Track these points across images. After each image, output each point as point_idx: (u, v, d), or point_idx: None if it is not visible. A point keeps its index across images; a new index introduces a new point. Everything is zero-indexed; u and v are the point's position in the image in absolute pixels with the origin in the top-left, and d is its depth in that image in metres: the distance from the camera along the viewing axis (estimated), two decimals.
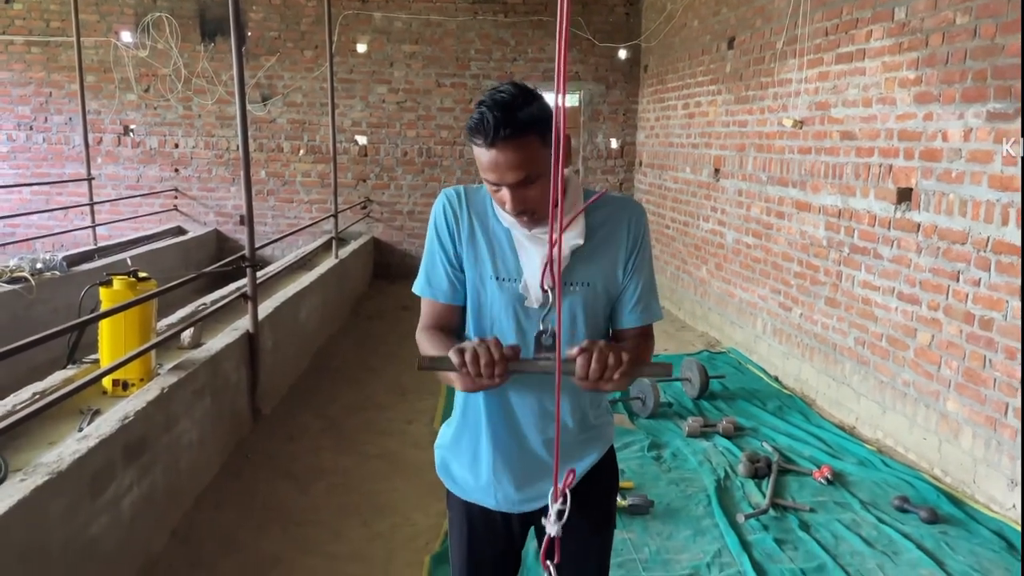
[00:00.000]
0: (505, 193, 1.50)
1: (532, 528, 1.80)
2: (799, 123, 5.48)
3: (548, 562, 1.25)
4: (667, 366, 1.49)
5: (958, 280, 3.96)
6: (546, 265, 1.53)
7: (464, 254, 1.64)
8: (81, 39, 7.62)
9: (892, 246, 4.48)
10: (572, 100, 9.63)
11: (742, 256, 6.50)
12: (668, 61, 8.31)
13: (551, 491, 1.26)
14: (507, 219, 1.60)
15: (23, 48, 9.26)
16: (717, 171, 6.98)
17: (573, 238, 1.57)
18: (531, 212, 1.52)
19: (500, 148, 1.44)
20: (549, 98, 1.38)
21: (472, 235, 1.63)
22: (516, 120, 1.42)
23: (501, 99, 1.44)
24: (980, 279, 3.81)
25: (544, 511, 1.28)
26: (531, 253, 1.58)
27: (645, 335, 1.70)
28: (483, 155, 1.47)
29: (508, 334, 1.62)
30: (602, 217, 1.63)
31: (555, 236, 1.28)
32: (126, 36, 8.72)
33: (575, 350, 1.38)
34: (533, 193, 1.49)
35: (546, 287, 1.53)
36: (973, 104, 3.83)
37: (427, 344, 1.63)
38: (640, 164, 9.44)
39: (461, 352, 1.38)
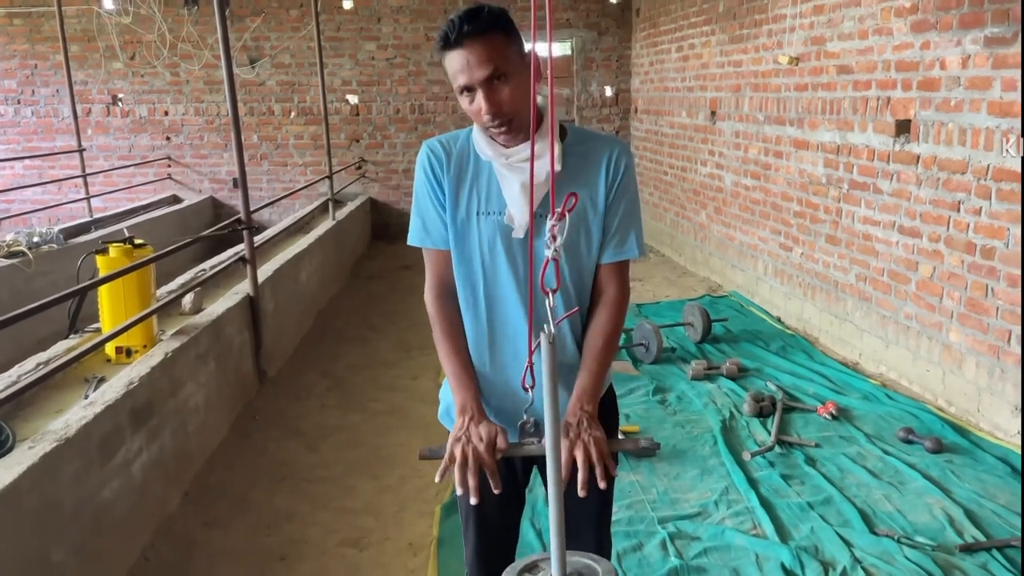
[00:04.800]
0: (479, 99, 1.52)
1: (535, 468, 1.81)
2: (795, 60, 5.39)
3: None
4: (635, 441, 1.61)
5: (959, 210, 3.93)
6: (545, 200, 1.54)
7: (449, 197, 1.66)
8: (63, 7, 7.48)
9: (892, 180, 4.44)
10: (564, 48, 9.48)
11: (741, 198, 6.46)
12: (660, 3, 8.16)
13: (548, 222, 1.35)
14: (487, 152, 1.62)
15: (5, 20, 9.11)
16: (713, 114, 6.89)
17: (549, 164, 1.56)
18: (507, 118, 1.54)
19: (467, 45, 1.48)
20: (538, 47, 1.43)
21: (456, 177, 1.66)
22: (480, 17, 1.49)
23: (465, 8, 1.51)
24: (981, 208, 3.78)
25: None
26: (511, 181, 1.61)
27: (618, 273, 1.71)
28: (453, 61, 1.51)
29: (501, 270, 1.65)
30: (582, 152, 1.64)
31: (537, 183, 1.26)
32: (108, 2, 8.55)
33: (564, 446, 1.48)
34: (506, 94, 1.52)
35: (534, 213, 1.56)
36: (971, 30, 3.76)
37: (439, 334, 1.70)
38: (636, 111, 9.33)
39: (453, 456, 1.50)
